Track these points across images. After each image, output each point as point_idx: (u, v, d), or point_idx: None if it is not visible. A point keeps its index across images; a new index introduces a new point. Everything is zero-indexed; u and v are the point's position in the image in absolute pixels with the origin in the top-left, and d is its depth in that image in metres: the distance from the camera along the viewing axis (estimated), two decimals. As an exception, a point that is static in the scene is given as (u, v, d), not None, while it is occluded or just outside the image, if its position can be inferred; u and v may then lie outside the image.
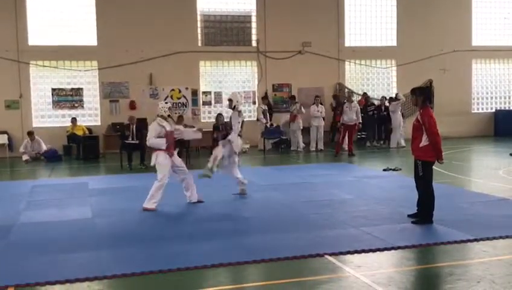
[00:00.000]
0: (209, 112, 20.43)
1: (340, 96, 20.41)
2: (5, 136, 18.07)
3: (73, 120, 18.44)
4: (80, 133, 18.18)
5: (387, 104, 19.85)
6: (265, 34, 20.55)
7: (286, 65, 20.57)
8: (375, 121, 19.81)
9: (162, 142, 9.34)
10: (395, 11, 21.97)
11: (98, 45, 19.11)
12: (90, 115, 19.48)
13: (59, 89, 19.09)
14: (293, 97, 19.56)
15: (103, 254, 6.77)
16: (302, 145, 18.59)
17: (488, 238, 6.99)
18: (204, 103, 20.39)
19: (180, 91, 19.97)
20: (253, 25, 20.74)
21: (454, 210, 8.69)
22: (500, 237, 7.06)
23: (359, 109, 17.42)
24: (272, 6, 20.44)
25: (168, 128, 9.45)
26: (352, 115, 16.86)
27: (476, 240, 6.96)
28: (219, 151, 10.11)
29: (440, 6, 22.07)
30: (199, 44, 20.21)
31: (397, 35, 21.98)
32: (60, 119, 19.14)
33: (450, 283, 5.58)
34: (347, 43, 21.57)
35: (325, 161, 16.37)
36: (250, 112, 20.21)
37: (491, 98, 23.78)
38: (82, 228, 8.17)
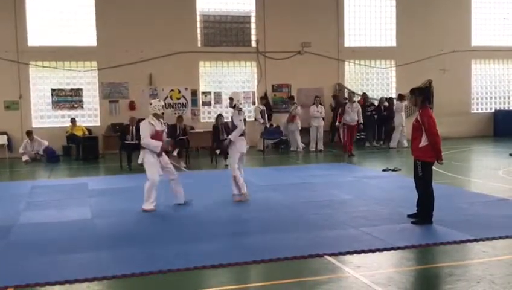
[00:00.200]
0: (209, 113, 20.43)
1: (340, 97, 20.42)
2: (5, 136, 18.07)
3: (73, 121, 18.44)
4: (79, 133, 18.17)
5: (386, 104, 19.88)
6: (265, 35, 20.55)
7: (286, 65, 20.58)
8: (375, 121, 19.81)
9: (158, 145, 9.25)
10: (395, 11, 21.98)
11: (98, 46, 19.11)
12: (90, 116, 19.48)
13: (59, 90, 19.08)
14: (291, 98, 19.56)
15: (103, 255, 6.77)
16: (301, 145, 18.59)
17: (487, 239, 7.00)
18: (203, 104, 20.39)
19: (179, 91, 19.97)
20: (253, 25, 20.75)
21: (454, 210, 8.69)
22: (500, 238, 7.06)
23: (360, 109, 17.40)
24: (271, 6, 20.45)
25: (157, 127, 9.35)
26: (354, 115, 16.82)
27: (475, 240, 6.96)
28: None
29: (439, 6, 22.08)
30: (199, 44, 20.21)
31: (397, 36, 22.00)
32: (60, 119, 19.14)
33: (449, 283, 5.58)
34: (347, 44, 21.58)
35: (325, 161, 16.37)
36: (250, 112, 20.20)
37: (491, 98, 23.79)
38: (81, 228, 8.17)
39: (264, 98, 19.57)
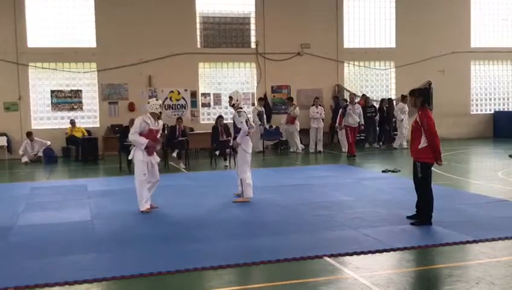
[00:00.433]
0: (208, 114, 20.44)
1: (339, 98, 20.43)
2: (4, 138, 18.06)
3: (72, 122, 18.45)
4: (78, 135, 18.18)
5: (386, 105, 19.88)
6: (265, 36, 20.56)
7: (285, 67, 20.60)
8: (375, 122, 19.82)
9: (143, 142, 9.13)
10: (394, 12, 22.00)
11: (97, 47, 19.11)
12: (89, 117, 19.48)
13: (58, 91, 19.09)
14: (290, 99, 19.56)
15: (102, 256, 6.77)
16: (301, 146, 18.60)
17: (487, 240, 7.00)
18: (203, 105, 20.39)
19: (179, 93, 19.98)
20: (252, 26, 20.76)
21: (454, 212, 8.69)
22: (499, 239, 7.06)
23: (362, 111, 17.36)
24: (270, 7, 20.46)
25: (152, 126, 9.26)
26: (356, 117, 16.76)
27: (475, 241, 6.97)
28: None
29: (439, 7, 22.10)
30: (198, 46, 20.22)
31: (396, 37, 22.01)
32: (59, 121, 19.14)
33: (449, 284, 5.59)
34: (346, 45, 21.59)
35: (324, 163, 16.37)
36: (249, 113, 20.17)
37: (490, 99, 23.80)
38: (81, 230, 8.16)
39: (262, 100, 19.55)
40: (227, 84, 20.57)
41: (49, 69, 18.98)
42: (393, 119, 19.81)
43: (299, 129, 18.74)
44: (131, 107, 19.24)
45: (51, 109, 19.06)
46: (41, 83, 19.00)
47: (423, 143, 7.79)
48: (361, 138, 19.91)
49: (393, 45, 22.05)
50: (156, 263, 6.36)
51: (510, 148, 17.28)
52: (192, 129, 18.69)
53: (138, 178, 9.21)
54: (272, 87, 20.90)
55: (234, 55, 20.44)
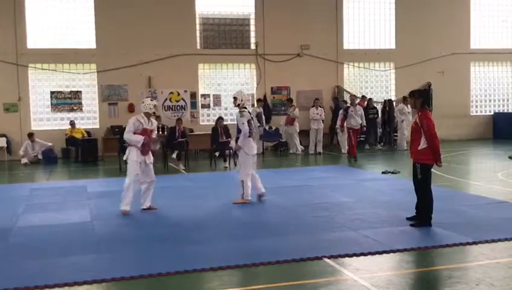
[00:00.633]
0: (208, 115, 20.44)
1: (339, 99, 20.44)
2: (4, 139, 18.07)
3: (72, 123, 18.45)
4: (78, 136, 18.18)
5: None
6: (264, 37, 20.57)
7: (285, 68, 20.61)
8: (376, 124, 19.82)
9: (139, 140, 9.12)
10: (394, 13, 22.01)
11: (97, 48, 19.12)
12: (89, 118, 19.49)
13: (58, 92, 19.09)
14: (290, 100, 19.56)
15: (102, 257, 6.76)
16: (300, 148, 18.60)
17: (486, 241, 7.00)
18: (203, 106, 20.39)
19: (179, 94, 19.98)
20: (252, 27, 20.77)
21: (453, 213, 8.69)
22: (499, 240, 7.06)
23: (363, 112, 17.30)
24: (270, 9, 20.47)
25: (145, 125, 9.24)
26: (358, 118, 16.69)
27: (474, 243, 6.96)
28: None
29: (438, 9, 22.11)
30: (198, 47, 20.23)
31: (396, 38, 22.02)
32: (59, 122, 19.14)
33: (448, 285, 5.58)
34: (346, 46, 21.60)
35: (324, 164, 16.37)
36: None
37: (490, 100, 23.81)
38: (81, 231, 8.16)
39: (260, 101, 19.49)
40: (227, 86, 20.58)
41: (48, 70, 18.98)
42: (395, 121, 19.79)
43: (298, 130, 18.74)
44: (131, 108, 19.23)
45: (50, 110, 19.07)
46: (41, 84, 19.01)
47: (423, 144, 7.79)
48: (361, 139, 19.92)
49: (393, 46, 22.06)
50: (156, 264, 6.35)
51: (510, 150, 17.30)
52: (191, 130, 18.69)
53: (129, 177, 9.19)
54: (272, 88, 20.90)
55: (234, 56, 20.45)
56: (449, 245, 6.89)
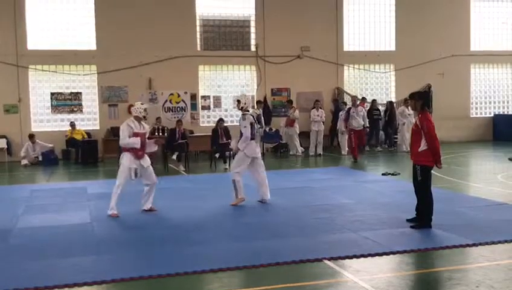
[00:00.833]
0: (208, 117, 20.46)
1: (339, 101, 20.44)
2: (4, 140, 18.08)
3: (72, 124, 18.46)
4: (78, 137, 18.19)
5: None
6: (264, 39, 20.59)
7: (285, 69, 20.62)
8: (379, 125, 19.82)
9: (136, 142, 9.08)
10: (394, 15, 22.02)
11: (97, 49, 19.13)
12: (89, 119, 19.50)
13: (58, 93, 19.11)
14: (290, 101, 19.58)
15: (102, 259, 6.76)
16: (300, 149, 18.61)
17: (486, 243, 6.99)
18: (203, 107, 20.41)
19: (179, 95, 19.99)
20: (252, 29, 20.79)
21: (453, 215, 8.69)
22: (499, 242, 7.06)
23: (365, 114, 17.30)
24: (270, 10, 20.49)
25: (136, 129, 9.19)
26: (360, 120, 16.69)
27: (474, 244, 6.96)
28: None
29: (439, 11, 22.13)
30: (198, 48, 20.24)
31: (396, 40, 22.03)
32: (59, 123, 19.16)
33: (448, 287, 5.59)
34: (346, 48, 21.62)
35: (324, 166, 16.36)
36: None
37: (490, 102, 23.82)
38: (81, 232, 8.16)
39: (260, 102, 19.48)
40: (227, 87, 20.60)
41: (49, 71, 19.00)
42: (397, 122, 19.75)
43: (298, 132, 18.75)
44: (131, 110, 19.19)
45: (50, 111, 19.09)
46: (41, 85, 19.02)
47: (423, 146, 7.79)
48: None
49: (393, 48, 22.07)
50: (156, 265, 6.35)
51: (510, 152, 17.30)
52: (192, 132, 18.69)
53: (118, 181, 9.16)
54: (272, 90, 20.92)
55: (234, 58, 20.46)
56: (449, 247, 6.88)
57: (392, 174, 13.38)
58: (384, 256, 6.60)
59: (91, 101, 19.46)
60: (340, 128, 17.94)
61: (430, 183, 7.94)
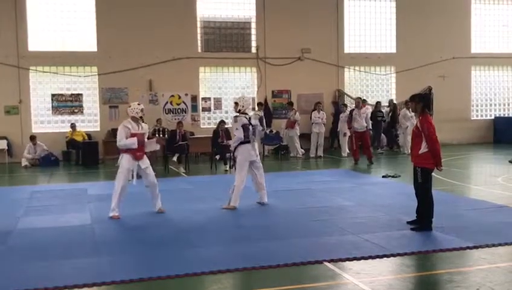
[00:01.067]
0: (209, 118, 20.47)
1: (339, 103, 20.44)
2: (5, 141, 18.09)
3: (73, 126, 18.46)
4: (79, 138, 18.19)
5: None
6: (265, 40, 20.60)
7: (285, 71, 20.62)
8: (381, 127, 19.81)
9: (134, 142, 9.06)
10: (395, 17, 22.04)
11: (98, 51, 19.15)
12: (90, 121, 19.50)
13: (59, 95, 19.12)
14: (290, 103, 19.57)
15: (102, 260, 6.75)
16: (301, 151, 18.61)
17: (487, 245, 6.98)
18: (203, 109, 20.42)
19: (179, 97, 20.00)
20: (253, 31, 20.80)
21: (454, 217, 8.68)
22: (500, 244, 7.05)
23: (369, 115, 17.27)
24: (271, 12, 20.50)
25: (134, 130, 9.17)
26: (362, 121, 16.64)
27: (475, 247, 6.95)
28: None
29: (439, 13, 22.13)
30: (199, 50, 20.25)
31: (396, 42, 22.04)
32: (60, 124, 19.17)
33: (449, 290, 5.59)
34: (346, 50, 21.63)
35: (325, 168, 16.37)
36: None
37: (490, 105, 23.82)
38: (81, 233, 8.15)
39: (261, 105, 19.47)
40: (228, 89, 20.61)
41: (49, 72, 19.01)
42: (399, 124, 19.70)
43: (299, 134, 18.75)
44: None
45: (51, 112, 19.09)
46: (41, 86, 19.03)
47: (423, 148, 7.79)
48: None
49: (393, 50, 22.08)
50: (156, 267, 6.35)
51: (510, 154, 17.27)
52: (192, 133, 18.70)
53: (117, 182, 9.15)
54: (273, 92, 20.92)
55: (235, 59, 20.48)
56: (449, 249, 6.88)
57: (393, 177, 13.37)
58: (385, 258, 6.59)
59: (92, 103, 19.47)
60: (342, 130, 17.96)
61: (430, 185, 7.94)
